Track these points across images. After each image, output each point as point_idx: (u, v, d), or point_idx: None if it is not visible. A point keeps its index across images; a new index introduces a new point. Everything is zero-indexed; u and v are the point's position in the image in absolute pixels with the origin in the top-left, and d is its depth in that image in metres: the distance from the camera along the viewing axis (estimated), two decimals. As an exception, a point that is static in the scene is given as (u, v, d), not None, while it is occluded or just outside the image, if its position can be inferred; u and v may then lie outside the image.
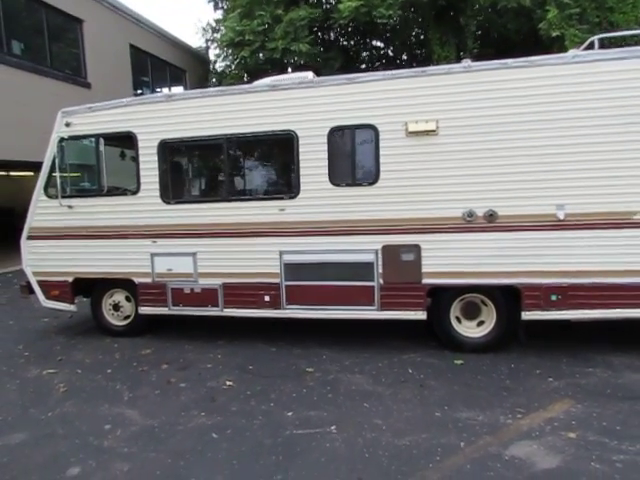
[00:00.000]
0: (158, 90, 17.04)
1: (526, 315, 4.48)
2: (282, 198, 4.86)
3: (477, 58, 14.18)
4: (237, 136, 4.95)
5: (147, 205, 5.13)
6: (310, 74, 5.16)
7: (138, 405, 3.82)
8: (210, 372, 4.47)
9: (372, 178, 4.64)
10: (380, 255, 4.67)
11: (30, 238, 5.49)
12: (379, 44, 18.21)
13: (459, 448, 3.04)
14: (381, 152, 4.58)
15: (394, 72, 4.59)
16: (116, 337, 5.55)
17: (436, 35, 14.42)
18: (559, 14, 11.46)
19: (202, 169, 5.61)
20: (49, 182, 5.33)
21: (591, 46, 4.50)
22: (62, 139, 5.23)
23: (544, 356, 4.54)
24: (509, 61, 4.37)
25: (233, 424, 3.45)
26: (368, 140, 4.63)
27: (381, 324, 4.98)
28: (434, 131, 4.45)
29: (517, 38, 14.20)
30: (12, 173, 14.86)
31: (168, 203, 5.10)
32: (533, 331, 4.82)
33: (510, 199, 4.39)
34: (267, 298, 4.96)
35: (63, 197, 5.23)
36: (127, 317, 5.60)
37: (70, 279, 5.43)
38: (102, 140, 5.21)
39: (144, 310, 5.32)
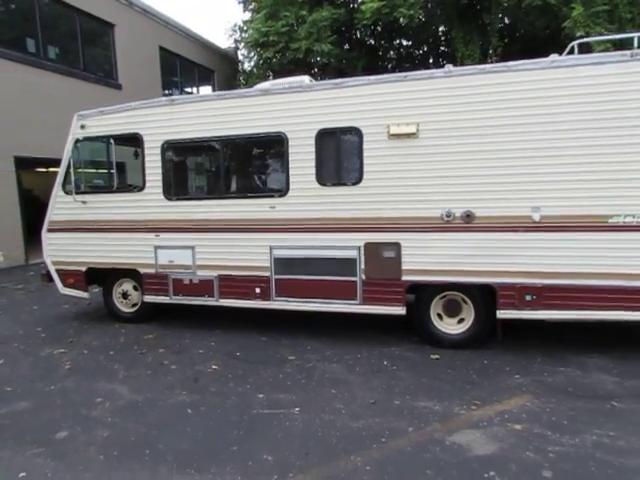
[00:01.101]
0: (187, 90, 17.72)
1: (501, 314, 4.61)
2: (273, 196, 5.16)
3: (502, 56, 14.06)
4: (233, 138, 5.29)
5: (151, 201, 5.55)
6: (306, 78, 5.44)
7: (130, 383, 4.23)
8: (201, 357, 4.84)
9: (356, 178, 4.87)
10: (363, 252, 4.91)
11: (49, 231, 6.04)
12: (404, 43, 18.21)
13: (406, 433, 3.26)
14: (365, 154, 4.80)
15: (378, 77, 4.79)
16: (124, 323, 6.03)
17: (460, 34, 14.32)
18: (585, 12, 11.18)
19: (201, 168, 5.99)
20: (66, 179, 5.85)
21: (572, 51, 4.56)
22: (77, 140, 5.74)
23: (520, 354, 4.66)
24: (487, 66, 4.50)
25: (208, 402, 3.79)
26: (353, 142, 4.86)
27: (374, 319, 5.19)
28: (414, 134, 4.63)
29: (544, 35, 13.92)
30: (51, 169, 15.87)
31: (170, 200, 5.51)
32: (521, 329, 4.94)
33: (487, 200, 4.53)
34: (258, 290, 5.29)
35: (77, 193, 5.74)
36: (134, 305, 6.07)
37: (84, 269, 5.94)
38: (112, 141, 5.67)
39: (148, 298, 5.77)
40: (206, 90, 18.38)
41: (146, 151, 5.53)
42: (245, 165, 5.90)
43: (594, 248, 4.31)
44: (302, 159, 4.99)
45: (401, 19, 13.79)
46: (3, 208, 10.21)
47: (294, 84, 5.11)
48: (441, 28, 17.12)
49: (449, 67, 4.65)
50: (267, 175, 5.56)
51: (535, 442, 3.10)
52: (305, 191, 5.02)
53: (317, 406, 3.68)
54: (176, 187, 5.58)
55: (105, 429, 3.40)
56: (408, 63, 18.16)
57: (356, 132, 4.81)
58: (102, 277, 6.11)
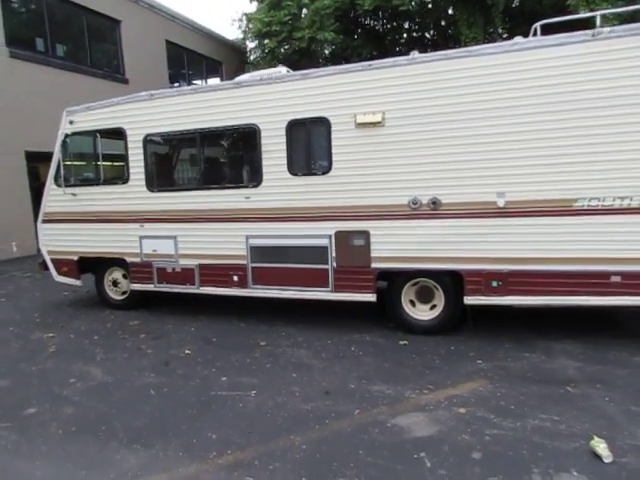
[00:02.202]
0: (195, 83, 17.93)
1: (468, 300, 4.63)
2: (247, 187, 5.29)
3: (507, 38, 13.68)
4: (209, 130, 5.42)
5: (135, 193, 5.76)
6: (284, 69, 5.51)
7: (105, 365, 4.45)
8: (178, 342, 5.04)
9: (325, 168, 4.93)
10: (333, 240, 4.98)
11: (44, 222, 6.33)
12: (408, 26, 17.89)
13: (352, 415, 3.36)
14: (333, 143, 4.86)
15: (344, 67, 4.82)
16: (115, 310, 6.30)
17: (463, 16, 14.03)
18: (588, -13, 10.79)
19: (180, 160, 6.15)
20: (57, 173, 6.11)
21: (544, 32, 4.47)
22: (66, 135, 5.98)
23: (489, 340, 4.67)
24: (450, 52, 4.47)
25: (172, 384, 3.98)
26: (322, 132, 4.92)
27: (354, 307, 5.28)
28: (380, 122, 4.66)
29: (552, 15, 13.47)
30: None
31: (152, 191, 5.69)
32: (502, 316, 4.96)
33: (453, 187, 4.53)
34: (236, 278, 5.44)
35: (67, 186, 5.99)
36: (124, 292, 6.32)
37: (75, 258, 6.22)
38: (99, 135, 5.88)
39: (135, 286, 6.00)
40: (214, 82, 18.56)
41: (129, 144, 5.72)
42: (221, 157, 6.03)
43: (559, 233, 4.27)
44: (274, 150, 5.08)
45: (399, 8, 13.61)
46: (16, 200, 10.67)
47: (265, 76, 5.19)
48: (450, 11, 16.79)
49: (414, 54, 4.64)
50: (242, 166, 5.67)
51: (475, 425, 3.15)
52: (277, 181, 5.11)
53: (274, 389, 3.82)
54: (157, 179, 5.76)
55: (71, 407, 3.62)
56: (417, 48, 17.90)
57: (324, 122, 4.86)
58: (94, 266, 6.37)
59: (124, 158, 5.77)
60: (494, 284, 4.52)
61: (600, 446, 2.75)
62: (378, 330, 5.12)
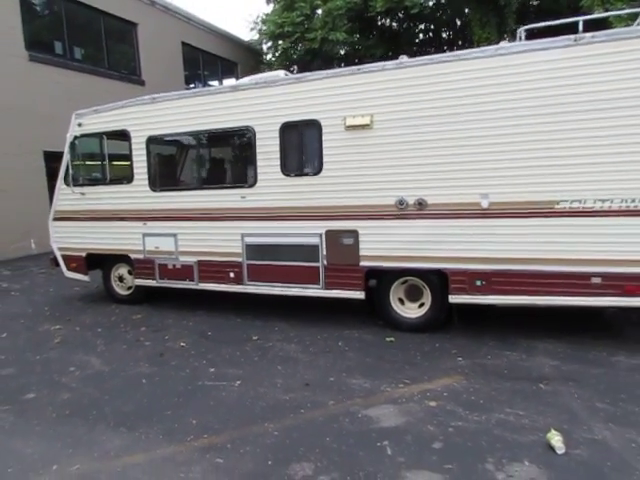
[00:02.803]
0: (210, 84, 18.28)
1: (453, 299, 4.74)
2: (243, 187, 5.48)
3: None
4: (208, 132, 5.65)
5: (139, 192, 6.02)
6: (282, 73, 5.69)
7: (104, 356, 4.72)
8: (175, 335, 5.28)
9: (316, 169, 5.09)
10: (324, 239, 5.14)
11: (55, 219, 6.68)
12: (424, 27, 17.90)
13: (326, 405, 3.53)
14: (324, 145, 5.02)
15: (335, 70, 4.98)
16: (120, 304, 6.59)
17: (476, 16, 13.99)
18: (602, -13, 10.66)
19: (181, 161, 6.39)
20: (67, 173, 6.43)
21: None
22: (75, 137, 6.29)
23: (474, 338, 4.77)
24: (436, 56, 4.58)
25: (163, 374, 4.21)
26: (313, 134, 5.08)
27: (350, 304, 5.38)
28: (369, 125, 4.79)
29: (567, 15, 13.32)
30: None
31: (155, 191, 5.95)
32: (488, 315, 5.08)
33: (438, 188, 4.64)
34: (232, 275, 5.66)
35: (76, 185, 6.31)
36: (129, 288, 6.61)
37: (84, 254, 6.53)
38: (105, 137, 6.17)
39: (138, 282, 6.28)
40: (230, 83, 18.87)
41: (133, 146, 5.99)
42: (219, 158, 6.25)
43: (541, 234, 4.35)
44: (268, 151, 5.27)
45: (411, 10, 13.66)
46: (35, 199, 11.12)
47: (261, 80, 5.38)
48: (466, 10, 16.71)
49: (402, 58, 4.77)
50: (238, 167, 5.88)
51: (441, 417, 3.28)
52: (271, 182, 5.30)
53: (257, 380, 4.01)
54: (159, 179, 6.02)
55: (67, 393, 3.89)
56: (432, 48, 17.87)
57: (316, 124, 5.02)
58: (101, 262, 6.68)
59: (129, 159, 6.04)
60: (478, 283, 4.61)
61: (555, 438, 2.86)
62: (367, 327, 5.26)
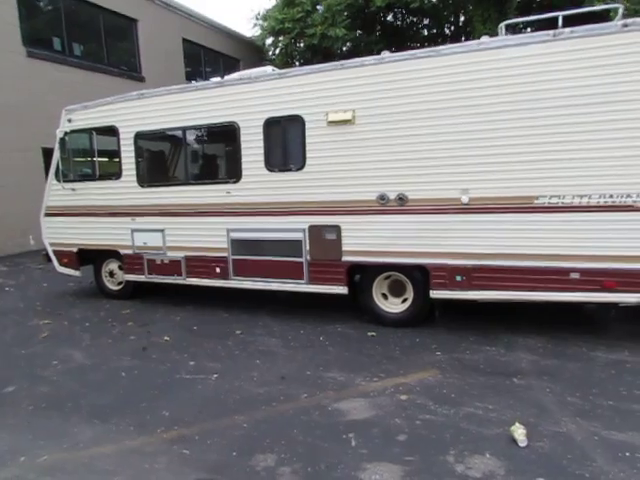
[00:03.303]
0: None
1: (434, 294, 4.75)
2: (228, 182, 5.52)
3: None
4: (194, 128, 5.69)
5: (127, 188, 6.08)
6: (269, 69, 5.70)
7: (88, 350, 4.79)
8: (161, 330, 5.33)
9: (300, 164, 5.11)
10: (307, 234, 5.17)
11: (46, 215, 6.75)
12: (428, 22, 17.78)
13: (299, 399, 3.56)
14: (307, 140, 5.03)
15: (317, 66, 4.98)
16: (111, 299, 6.66)
17: (478, 11, 13.87)
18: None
19: (168, 156, 6.42)
20: (58, 169, 6.49)
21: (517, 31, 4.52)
22: (65, 133, 6.35)
23: (456, 333, 4.78)
24: (417, 52, 4.57)
25: (144, 367, 4.27)
26: (296, 130, 5.09)
27: (339, 299, 5.38)
28: (350, 120, 4.80)
29: (571, 7, 13.19)
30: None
31: (142, 186, 6.00)
32: (473, 310, 5.10)
33: (419, 184, 4.64)
34: (218, 270, 5.70)
35: (66, 181, 6.38)
36: (120, 283, 6.68)
37: (75, 250, 6.61)
38: (94, 133, 6.23)
39: (128, 277, 6.35)
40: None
41: (122, 142, 6.04)
42: (205, 153, 6.29)
43: (520, 229, 4.34)
44: (252, 147, 5.29)
45: (412, 3, 13.58)
46: (33, 195, 11.18)
47: (245, 75, 5.39)
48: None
49: (384, 54, 4.76)
50: (224, 162, 5.92)
51: (410, 411, 3.30)
52: (255, 177, 5.33)
53: (234, 374, 4.05)
54: (147, 175, 6.06)
55: (46, 386, 3.95)
56: (436, 44, 17.75)
57: (299, 120, 5.04)
58: (92, 258, 6.75)
59: (117, 155, 6.09)
60: (458, 279, 4.62)
61: (518, 431, 2.87)
62: (351, 322, 5.28)
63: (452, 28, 18.54)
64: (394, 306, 5.13)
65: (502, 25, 4.49)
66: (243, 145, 5.35)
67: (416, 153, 4.60)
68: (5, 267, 9.51)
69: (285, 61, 16.72)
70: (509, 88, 4.22)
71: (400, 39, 17.24)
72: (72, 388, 3.90)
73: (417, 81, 4.52)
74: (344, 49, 16.83)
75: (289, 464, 2.74)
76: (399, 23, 18.28)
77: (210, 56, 17.95)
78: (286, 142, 5.19)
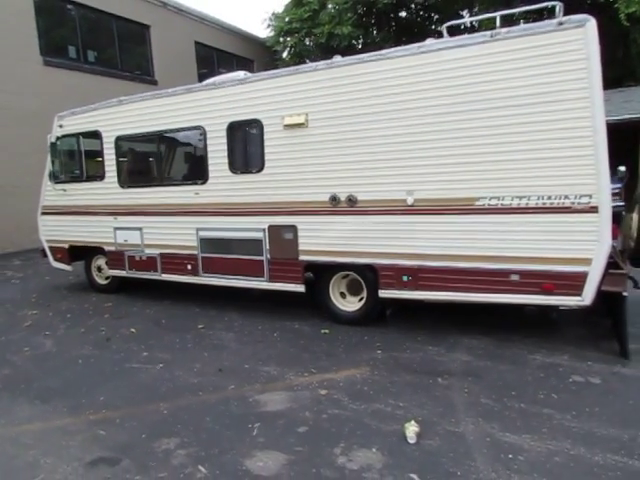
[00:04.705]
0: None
1: (382, 293, 4.84)
2: (197, 183, 5.78)
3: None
4: (166, 132, 5.99)
5: (110, 189, 6.45)
6: (242, 73, 5.92)
7: (59, 338, 5.16)
8: (131, 322, 5.65)
9: (259, 166, 5.30)
10: (267, 234, 5.36)
11: (42, 214, 7.24)
12: (438, 17, 17.58)
13: (226, 389, 3.76)
14: (265, 143, 5.22)
15: (274, 72, 5.17)
16: (100, 293, 7.08)
17: (484, 5, 13.65)
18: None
19: (144, 159, 6.72)
20: (51, 171, 6.95)
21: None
22: (57, 137, 6.80)
23: (406, 333, 4.86)
24: (364, 56, 4.67)
25: (100, 356, 4.59)
26: (256, 133, 5.30)
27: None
28: (304, 124, 4.95)
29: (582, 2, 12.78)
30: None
31: (123, 187, 6.36)
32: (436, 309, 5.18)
33: (367, 185, 4.75)
34: (189, 267, 5.98)
35: (57, 183, 6.83)
36: (107, 277, 7.09)
37: (66, 246, 7.06)
38: (82, 137, 6.64)
39: (111, 272, 6.75)
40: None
41: (104, 145, 6.42)
42: (176, 156, 6.59)
43: (462, 231, 4.38)
44: (217, 149, 5.53)
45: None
46: (50, 194, 11.94)
47: (217, 81, 5.63)
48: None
49: (336, 58, 4.88)
50: (193, 164, 6.18)
51: (323, 405, 3.44)
52: (220, 179, 5.57)
53: (179, 365, 4.30)
54: (127, 176, 6.42)
55: (9, 369, 4.33)
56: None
57: (258, 124, 5.23)
58: (83, 254, 7.19)
59: (101, 157, 6.47)
60: (405, 279, 4.70)
61: (409, 429, 2.96)
62: (312, 319, 5.43)
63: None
64: (351, 305, 5.26)
65: (444, 27, 4.52)
66: (209, 148, 5.59)
67: (364, 155, 4.71)
68: (19, 261, 10.20)
69: (296, 61, 16.95)
70: (449, 90, 4.27)
71: (411, 35, 17.14)
72: (30, 372, 4.26)
73: (364, 85, 4.63)
74: (358, 47, 16.90)
75: (187, 448, 2.95)
76: (408, 19, 18.15)
77: (223, 58, 18.37)
78: (247, 145, 5.41)
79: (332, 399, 3.53)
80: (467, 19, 4.64)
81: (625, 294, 3.91)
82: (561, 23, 3.83)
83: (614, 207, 4.04)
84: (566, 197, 3.98)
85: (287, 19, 15.38)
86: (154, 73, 14.97)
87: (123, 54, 14.19)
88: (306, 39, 15.72)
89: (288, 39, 15.96)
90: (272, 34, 17.76)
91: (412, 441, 2.91)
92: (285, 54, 17.15)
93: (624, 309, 3.96)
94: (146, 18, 14.49)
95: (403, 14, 18.14)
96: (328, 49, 15.56)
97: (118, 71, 13.79)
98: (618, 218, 4.91)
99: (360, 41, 16.42)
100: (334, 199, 4.91)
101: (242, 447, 2.94)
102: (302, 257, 5.20)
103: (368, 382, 3.80)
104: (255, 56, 19.44)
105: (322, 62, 4.88)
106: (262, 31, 24.10)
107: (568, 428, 3.02)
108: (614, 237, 4.00)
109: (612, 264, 4.34)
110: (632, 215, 4.60)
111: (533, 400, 3.40)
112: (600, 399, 3.38)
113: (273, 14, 17.00)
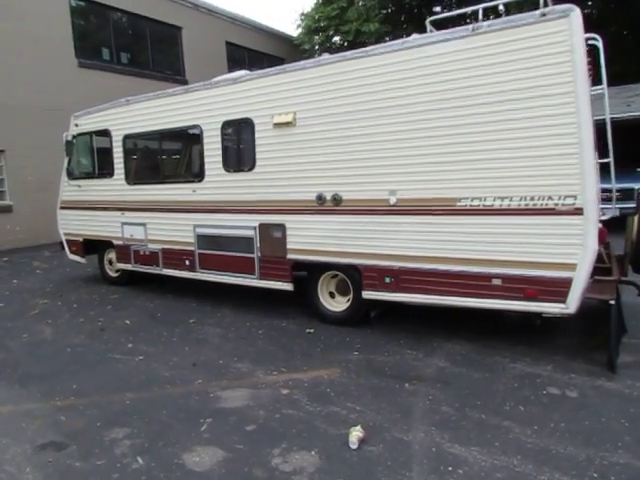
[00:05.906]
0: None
1: (365, 294, 4.76)
2: (194, 181, 5.90)
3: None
4: (167, 131, 6.15)
5: (118, 185, 6.71)
6: (243, 72, 6.00)
7: (59, 327, 5.42)
8: (129, 314, 5.85)
9: (250, 165, 5.35)
10: (258, 232, 5.40)
11: (61, 208, 7.63)
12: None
13: (192, 384, 3.83)
14: (256, 142, 5.26)
15: (265, 71, 5.18)
16: (111, 285, 7.37)
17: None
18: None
19: (148, 157, 6.91)
20: (67, 168, 7.31)
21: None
22: (73, 136, 7.14)
23: (390, 335, 4.76)
24: (348, 53, 4.61)
25: (89, 345, 4.78)
26: (247, 132, 5.34)
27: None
28: (292, 123, 4.95)
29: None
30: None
31: (129, 184, 6.60)
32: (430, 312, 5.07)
33: (352, 184, 4.69)
34: (187, 262, 6.12)
35: (72, 179, 7.18)
36: (118, 270, 7.37)
37: (81, 239, 7.40)
38: (94, 136, 6.94)
39: (119, 265, 7.01)
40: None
41: (113, 144, 6.68)
42: (177, 154, 6.74)
43: (443, 232, 4.23)
44: (212, 148, 5.62)
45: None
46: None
47: (214, 80, 5.72)
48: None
49: (324, 56, 4.84)
50: (191, 162, 6.31)
51: (280, 404, 3.43)
52: (215, 177, 5.66)
53: (158, 357, 4.41)
54: (133, 173, 6.65)
55: (3, 354, 4.60)
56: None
57: (249, 123, 5.27)
58: (96, 247, 7.51)
59: (110, 155, 6.74)
60: (387, 280, 4.60)
61: (353, 434, 2.90)
62: (301, 318, 5.42)
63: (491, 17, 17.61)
64: (339, 305, 5.20)
65: (428, 21, 4.37)
66: (206, 147, 5.70)
67: (349, 154, 4.64)
68: (49, 253, 10.76)
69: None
70: (431, 87, 4.14)
71: (442, 29, 16.70)
72: (21, 358, 4.50)
73: (348, 82, 4.56)
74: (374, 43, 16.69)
75: (134, 438, 3.03)
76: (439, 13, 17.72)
77: (254, 57, 18.60)
78: (239, 144, 5.47)
79: (291, 399, 3.51)
80: (451, 12, 4.40)
81: (612, 302, 3.65)
82: (544, 14, 3.61)
83: (623, 209, 3.79)
84: (550, 198, 3.76)
85: (316, 17, 15.37)
86: (185, 73, 15.39)
87: (155, 55, 14.70)
88: (334, 37, 15.64)
89: (316, 37, 15.96)
90: (301, 32, 17.84)
91: (354, 446, 2.84)
92: (314, 52, 17.15)
93: (612, 318, 3.70)
94: (178, 20, 14.92)
95: (437, 9, 17.75)
96: (356, 46, 15.47)
97: (149, 71, 14.29)
98: (624, 221, 4.61)
99: (388, 38, 16.16)
100: (320, 198, 4.87)
101: (186, 441, 2.98)
102: (290, 255, 5.20)
103: (333, 384, 3.75)
104: (286, 54, 19.56)
105: (310, 60, 4.86)
106: (293, 31, 24.30)
107: (523, 443, 2.86)
108: (601, 241, 3.73)
109: (604, 270, 4.08)
110: (634, 218, 4.28)
111: (496, 411, 3.24)
112: (570, 414, 3.17)
113: (303, 13, 17.07)
